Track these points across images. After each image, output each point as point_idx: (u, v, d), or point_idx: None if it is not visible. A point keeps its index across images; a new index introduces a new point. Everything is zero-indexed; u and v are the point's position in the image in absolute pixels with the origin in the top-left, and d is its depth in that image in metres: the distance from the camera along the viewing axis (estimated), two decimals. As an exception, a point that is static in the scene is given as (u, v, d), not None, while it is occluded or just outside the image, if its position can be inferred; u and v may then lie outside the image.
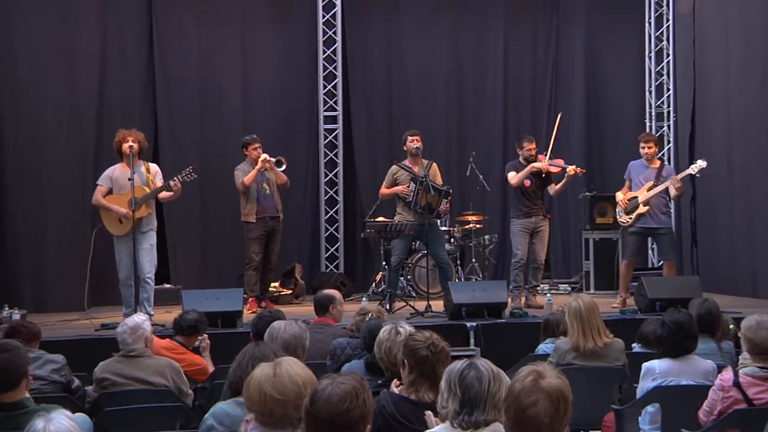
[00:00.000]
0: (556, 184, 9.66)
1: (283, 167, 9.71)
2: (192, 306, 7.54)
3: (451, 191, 9.49)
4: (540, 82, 12.64)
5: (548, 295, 9.29)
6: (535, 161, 9.62)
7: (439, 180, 9.63)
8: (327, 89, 12.16)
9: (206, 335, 6.44)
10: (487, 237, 11.16)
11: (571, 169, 9.45)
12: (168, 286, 10.73)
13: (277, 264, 10.08)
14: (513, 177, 9.60)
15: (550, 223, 9.92)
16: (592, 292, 10.75)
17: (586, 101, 12.61)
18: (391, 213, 10.24)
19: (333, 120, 12.25)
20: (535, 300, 9.61)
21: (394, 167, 9.68)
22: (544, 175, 9.58)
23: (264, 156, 9.61)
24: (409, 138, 9.54)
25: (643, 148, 9.39)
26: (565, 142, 12.35)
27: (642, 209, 9.31)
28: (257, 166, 9.56)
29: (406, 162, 9.64)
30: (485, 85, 12.58)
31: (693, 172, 9.30)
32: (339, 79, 12.17)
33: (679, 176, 9.33)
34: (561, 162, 9.71)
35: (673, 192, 9.29)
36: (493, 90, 12.57)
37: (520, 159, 9.73)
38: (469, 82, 12.56)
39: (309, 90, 12.18)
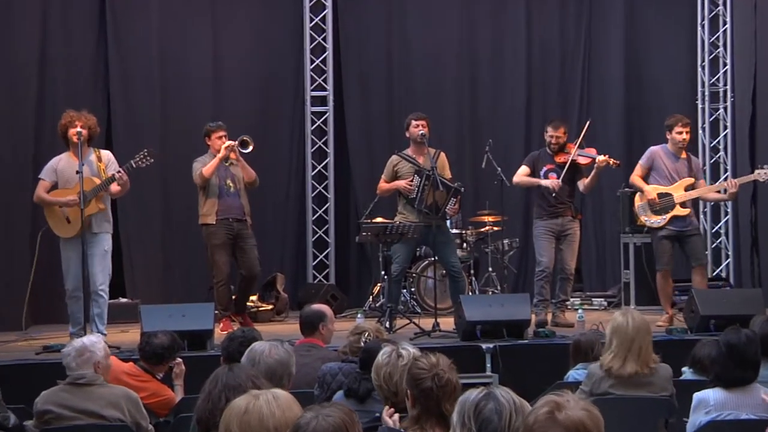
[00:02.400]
0: (587, 178, 9.66)
1: (250, 149, 9.67)
2: (153, 325, 7.54)
3: (462, 189, 9.48)
4: (570, 55, 12.63)
5: (579, 311, 9.29)
6: (564, 149, 9.63)
7: (447, 173, 9.63)
8: (315, 65, 12.16)
9: (180, 360, 6.42)
10: (506, 241, 11.15)
11: (601, 159, 9.43)
12: (124, 300, 10.73)
13: (260, 273, 9.97)
14: (517, 176, 9.75)
15: (581, 226, 9.93)
16: (632, 307, 10.73)
17: (625, 78, 12.58)
18: (391, 213, 10.23)
19: (322, 101, 12.24)
20: (563, 317, 9.62)
21: (394, 157, 9.68)
22: (567, 167, 9.55)
23: (228, 143, 9.55)
24: (413, 123, 9.53)
25: (681, 133, 9.37)
26: (600, 127, 12.35)
27: (681, 211, 9.30)
28: (219, 154, 9.48)
29: (409, 151, 9.63)
30: (504, 59, 12.56)
31: (761, 179, 9.24)
32: (329, 53, 12.16)
33: (739, 181, 9.34)
34: (592, 152, 9.70)
35: (713, 196, 9.34)
36: (514, 66, 12.56)
37: (548, 149, 9.74)
38: (485, 56, 12.54)
39: (293, 66, 12.17)
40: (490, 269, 11.24)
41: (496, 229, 11.15)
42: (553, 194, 9.52)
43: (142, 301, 10.10)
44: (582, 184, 9.70)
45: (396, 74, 12.41)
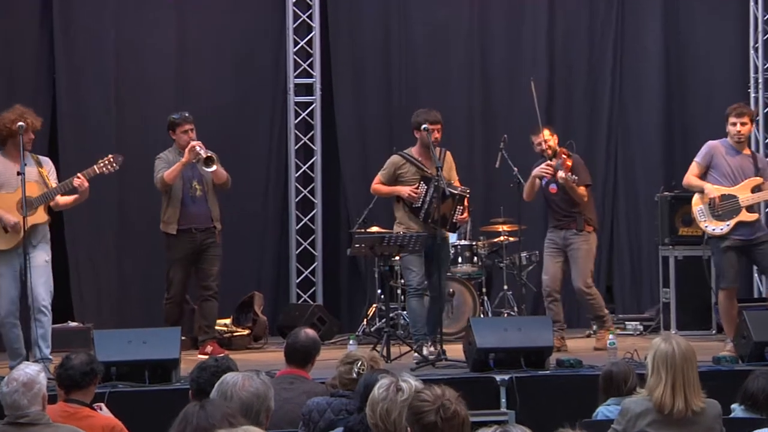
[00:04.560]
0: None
1: (213, 168, 9.71)
2: (109, 353, 7.52)
3: (467, 193, 9.54)
4: (599, 36, 12.62)
5: (611, 336, 9.30)
6: (554, 158, 9.81)
7: (454, 175, 9.67)
8: (299, 47, 12.14)
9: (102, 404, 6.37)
10: (524, 255, 11.13)
11: (560, 174, 9.70)
12: (73, 324, 10.68)
13: (218, 289, 10.02)
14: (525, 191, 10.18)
15: (596, 238, 10.15)
16: (674, 332, 10.73)
17: (664, 63, 12.58)
18: (389, 221, 10.21)
19: (308, 90, 12.23)
20: (602, 338, 9.74)
21: (396, 158, 9.62)
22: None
23: (193, 143, 9.61)
24: (425, 125, 9.39)
25: (735, 124, 9.31)
26: (634, 121, 12.36)
27: (747, 216, 9.24)
28: (183, 159, 9.60)
29: (414, 152, 9.59)
30: (521, 42, 12.56)
31: None
32: (316, 32, 12.15)
33: None
34: (565, 161, 9.84)
35: None
36: (533, 49, 12.56)
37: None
38: (499, 38, 12.54)
39: (273, 48, 12.16)
40: (506, 287, 11.22)
41: (512, 239, 11.14)
42: (553, 196, 9.94)
43: (95, 326, 10.09)
44: None
45: (395, 58, 12.38)
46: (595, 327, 10.25)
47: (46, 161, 8.84)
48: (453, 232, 9.75)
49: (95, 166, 8.66)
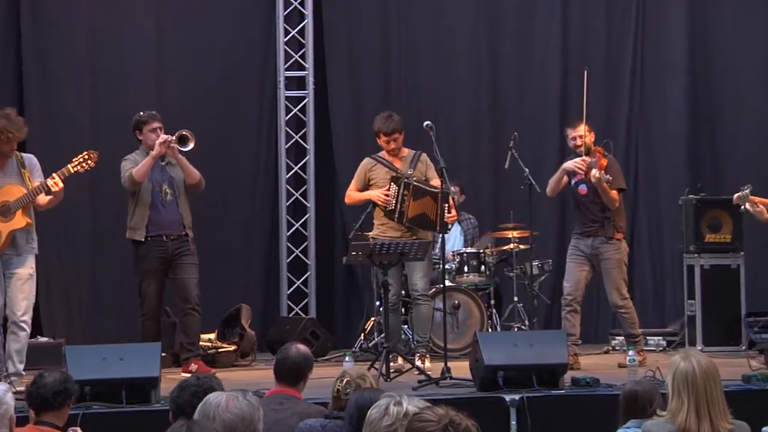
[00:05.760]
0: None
1: (191, 146, 9.73)
2: (82, 371, 7.48)
3: (450, 192, 9.62)
4: (619, 26, 12.63)
5: (631, 352, 9.27)
6: (588, 155, 9.78)
7: (432, 174, 9.76)
8: (290, 36, 12.14)
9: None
10: (536, 263, 11.15)
11: (594, 173, 9.60)
12: (43, 339, 10.66)
13: (199, 301, 9.98)
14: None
15: (626, 245, 10.13)
16: (700, 348, 10.70)
17: (690, 56, 12.57)
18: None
19: (300, 84, 12.23)
20: (643, 357, 9.78)
21: (366, 160, 9.93)
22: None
23: (163, 137, 9.63)
24: (383, 137, 9.70)
25: None
26: (656, 118, 12.34)
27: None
28: (153, 152, 9.59)
29: (384, 154, 9.86)
30: (534, 31, 12.58)
31: None
32: (308, 20, 12.15)
33: None
34: (600, 160, 9.83)
35: None
36: (546, 39, 12.57)
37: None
38: (509, 28, 12.56)
39: (261, 38, 12.18)
40: (516, 299, 11.20)
41: (522, 247, 11.13)
42: (582, 198, 9.90)
43: (67, 341, 10.07)
44: None
45: (394, 49, 12.41)
46: (626, 346, 10.01)
47: (30, 159, 8.88)
48: (445, 233, 9.76)
49: (69, 165, 8.74)
